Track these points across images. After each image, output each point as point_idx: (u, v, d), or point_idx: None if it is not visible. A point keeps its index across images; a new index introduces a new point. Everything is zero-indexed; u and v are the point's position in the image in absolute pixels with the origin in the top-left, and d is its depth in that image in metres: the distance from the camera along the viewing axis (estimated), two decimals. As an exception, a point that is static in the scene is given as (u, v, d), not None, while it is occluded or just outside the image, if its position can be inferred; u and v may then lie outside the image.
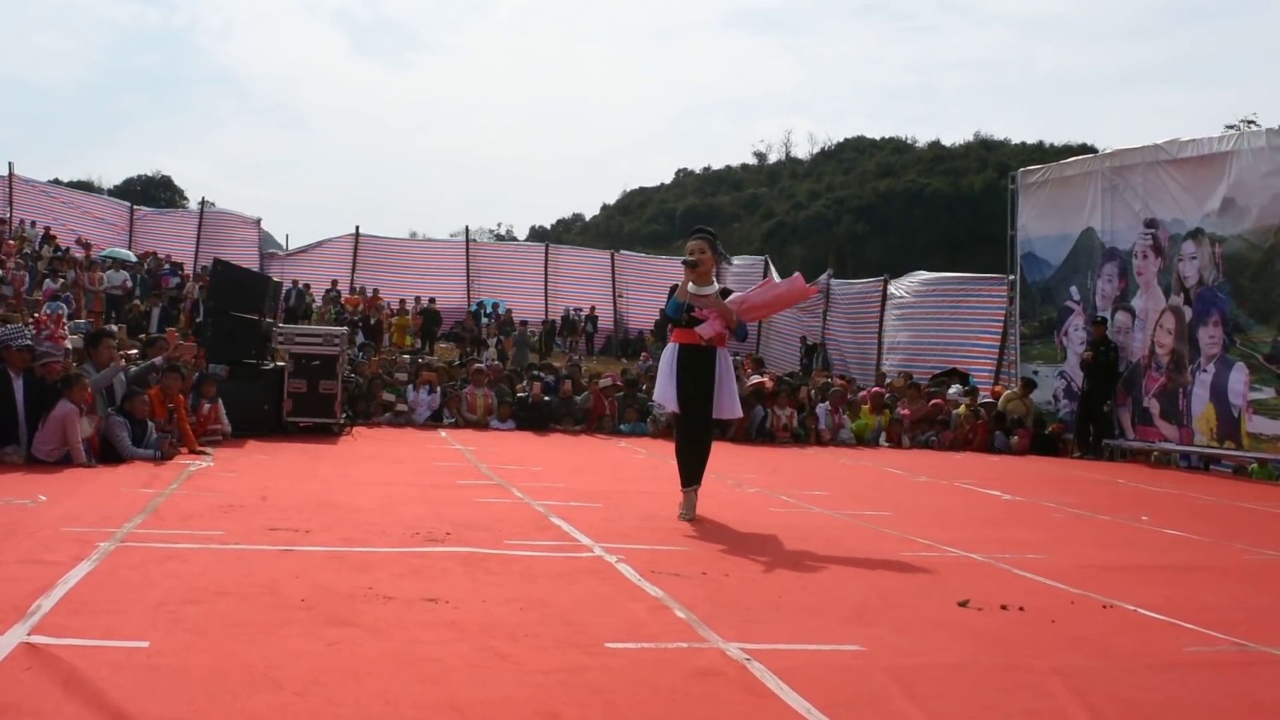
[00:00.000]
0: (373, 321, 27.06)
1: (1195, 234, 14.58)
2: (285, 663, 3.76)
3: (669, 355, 7.78)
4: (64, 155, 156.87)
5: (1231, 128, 21.89)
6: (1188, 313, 14.68)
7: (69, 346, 10.15)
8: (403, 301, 29.38)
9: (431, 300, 29.75)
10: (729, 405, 7.73)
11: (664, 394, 7.85)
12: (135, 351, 11.69)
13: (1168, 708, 3.77)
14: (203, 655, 3.81)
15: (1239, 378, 13.82)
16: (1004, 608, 5.20)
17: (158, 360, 10.99)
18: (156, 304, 23.98)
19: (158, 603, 4.49)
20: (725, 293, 7.73)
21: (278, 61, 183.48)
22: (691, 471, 7.70)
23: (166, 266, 28.86)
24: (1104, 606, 5.39)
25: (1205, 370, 14.31)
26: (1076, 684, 3.97)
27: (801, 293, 8.03)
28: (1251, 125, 25.37)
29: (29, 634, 3.94)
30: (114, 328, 15.48)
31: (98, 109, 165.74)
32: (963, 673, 4.08)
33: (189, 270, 29.42)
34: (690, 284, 7.62)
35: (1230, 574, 6.63)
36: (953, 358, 22.10)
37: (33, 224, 29.24)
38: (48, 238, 28.31)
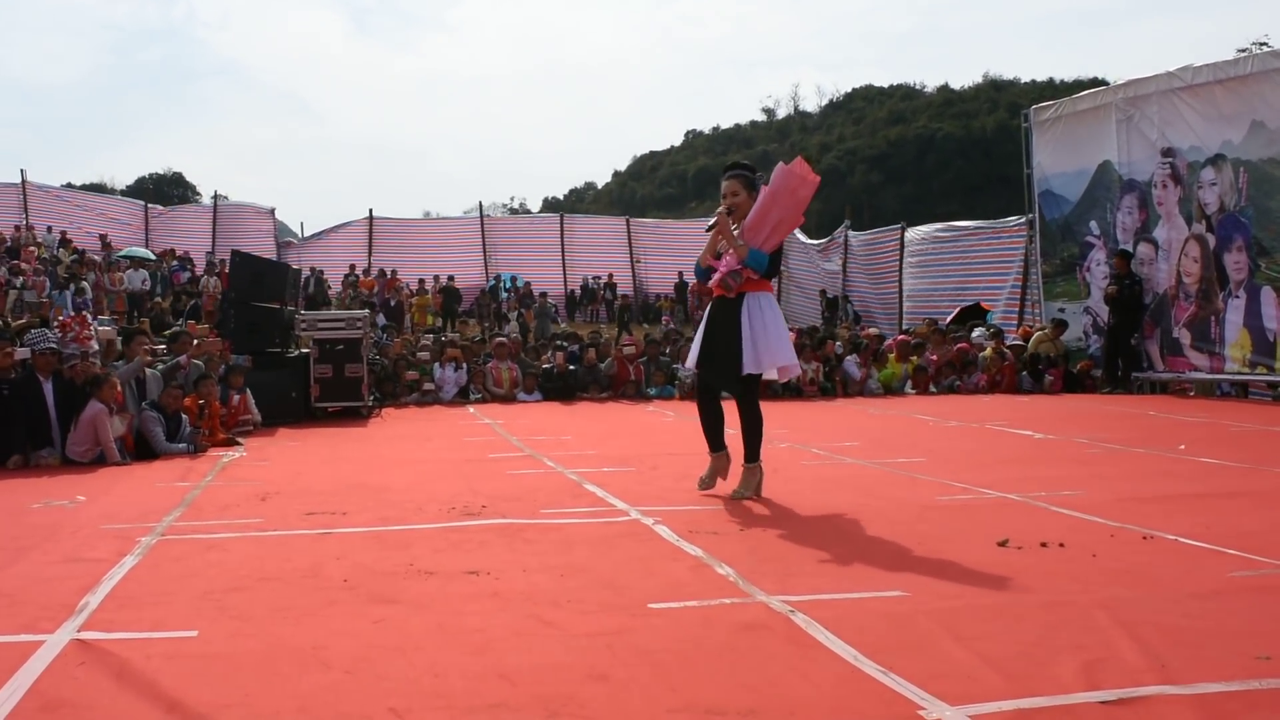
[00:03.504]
0: (393, 303, 27.14)
1: (1215, 160, 14.42)
2: (332, 643, 3.79)
3: (706, 313, 6.96)
4: (74, 158, 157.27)
5: (1243, 51, 21.57)
6: (1211, 240, 14.54)
7: (95, 347, 10.22)
8: (421, 281, 29.45)
9: (450, 278, 29.81)
10: (767, 357, 6.59)
11: (694, 355, 7.01)
12: (163, 347, 11.76)
13: (1214, 634, 3.75)
14: (251, 640, 3.84)
15: (1269, 301, 13.70)
16: (1044, 545, 5.18)
17: (182, 359, 11.06)
18: (188, 303, 24.15)
19: (203, 592, 4.53)
20: None
21: (279, 49, 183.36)
22: (714, 433, 6.92)
23: (175, 263, 28.99)
24: (1144, 538, 5.37)
25: (1237, 296, 14.18)
26: (1121, 616, 3.95)
27: (792, 179, 6.51)
28: (1264, 47, 24.99)
29: (79, 630, 3.98)
30: (144, 326, 15.63)
31: (105, 110, 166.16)
32: (1007, 611, 4.07)
33: (200, 265, 29.57)
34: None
35: (1270, 498, 6.59)
36: (973, 300, 22.00)
37: (49, 229, 29.38)
38: (64, 242, 28.47)
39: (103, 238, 29.66)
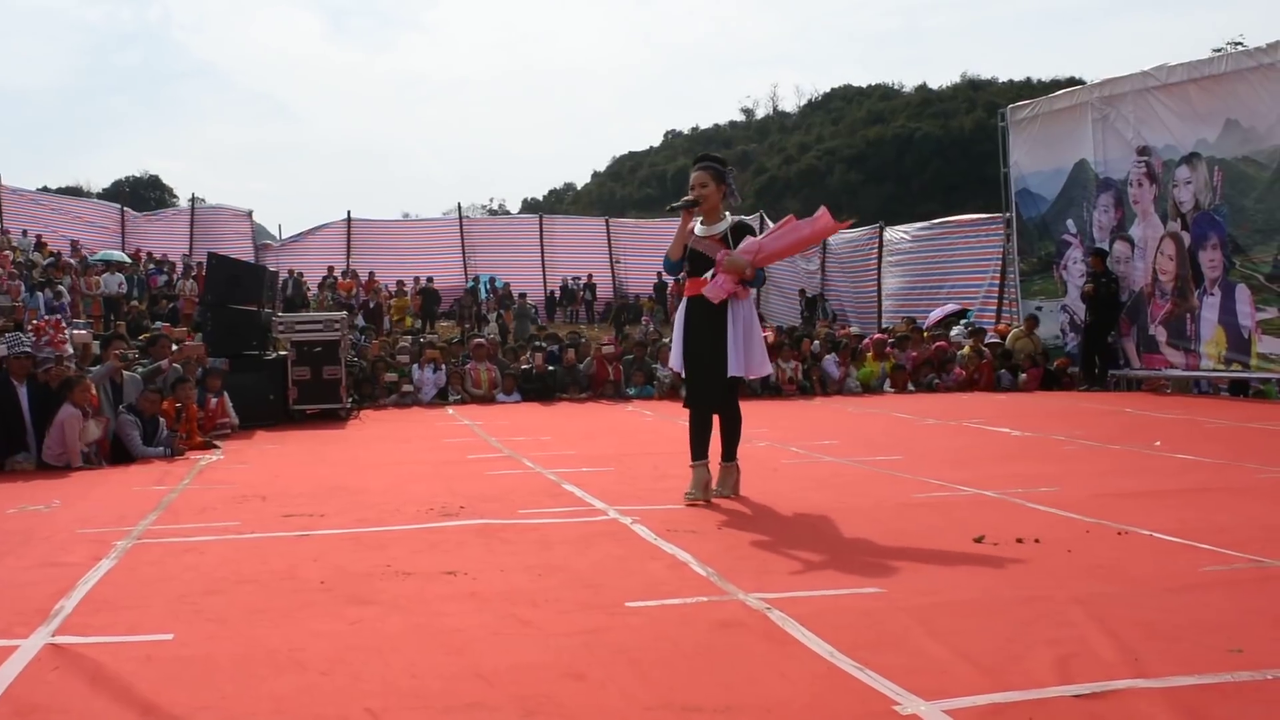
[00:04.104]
0: (372, 305, 27.07)
1: (1189, 158, 14.52)
2: (309, 644, 3.78)
3: (680, 312, 6.77)
4: (50, 162, 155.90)
5: (1219, 50, 21.70)
6: (1186, 238, 14.64)
7: (70, 350, 10.17)
8: (400, 283, 29.38)
9: (429, 280, 29.75)
10: (750, 361, 6.54)
11: (674, 359, 6.86)
12: (135, 353, 11.69)
13: (1188, 627, 3.78)
14: (227, 643, 3.83)
15: (1243, 298, 13.81)
16: (1020, 541, 5.21)
17: (163, 363, 11.02)
18: (166, 306, 24.06)
19: (178, 595, 4.51)
20: (740, 228, 6.59)
21: (256, 51, 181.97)
22: (701, 443, 6.69)
23: (151, 266, 28.84)
24: (1119, 533, 5.40)
25: (1212, 294, 14.28)
26: (1096, 611, 3.98)
27: (830, 229, 6.76)
28: (1239, 46, 25.18)
29: (53, 635, 3.96)
30: (119, 331, 15.56)
31: (80, 113, 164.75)
32: (983, 607, 4.09)
33: (177, 268, 29.41)
34: (697, 224, 6.58)
35: (1244, 494, 6.63)
36: (953, 300, 22.10)
37: (24, 233, 29.18)
38: (39, 245, 28.29)
39: (74, 243, 29.42)
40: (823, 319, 26.17)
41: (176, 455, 9.65)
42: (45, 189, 38.94)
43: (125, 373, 10.38)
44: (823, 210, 6.62)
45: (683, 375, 6.88)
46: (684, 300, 6.75)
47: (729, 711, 3.08)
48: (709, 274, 6.49)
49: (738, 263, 6.36)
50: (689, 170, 6.73)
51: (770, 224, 8.37)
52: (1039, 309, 17.61)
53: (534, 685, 3.31)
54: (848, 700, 3.15)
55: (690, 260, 6.58)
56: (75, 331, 11.44)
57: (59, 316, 12.13)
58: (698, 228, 6.59)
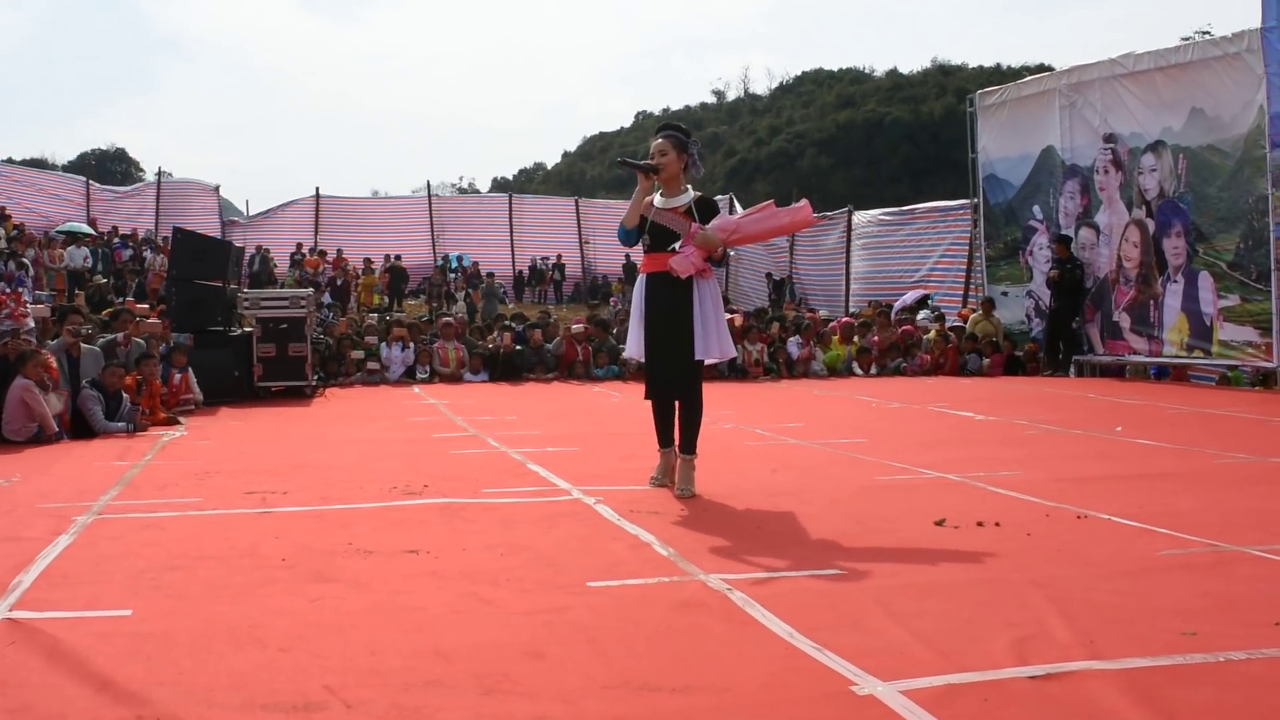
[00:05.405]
0: (339, 282, 26.91)
1: (1155, 146, 14.63)
2: (269, 621, 3.77)
3: (638, 291, 6.33)
4: (14, 134, 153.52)
5: (1187, 39, 21.88)
6: (1151, 225, 14.77)
7: (30, 324, 10.06)
8: (368, 261, 29.21)
9: (398, 257, 29.59)
10: (717, 344, 6.21)
11: (633, 345, 6.39)
12: (88, 327, 11.55)
13: (1144, 610, 3.83)
14: (186, 619, 3.81)
15: (1206, 286, 13.94)
16: (980, 524, 5.25)
17: (119, 337, 10.92)
18: (132, 281, 23.84)
19: (138, 571, 4.49)
20: (704, 204, 6.21)
21: (225, 23, 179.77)
22: (666, 429, 6.42)
23: (117, 240, 28.55)
24: (1079, 517, 5.46)
25: (1175, 281, 14.41)
26: (1053, 593, 4.02)
27: (807, 223, 6.66)
28: (1206, 35, 25.32)
29: (10, 610, 3.93)
30: (78, 304, 15.39)
31: (45, 84, 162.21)
32: (942, 590, 4.12)
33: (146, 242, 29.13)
34: (656, 196, 6.25)
35: (1202, 479, 6.70)
36: (919, 285, 22.21)
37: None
38: (3, 217, 27.92)
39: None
40: (789, 301, 26.26)
41: (139, 430, 9.57)
42: (10, 160, 38.38)
43: (84, 345, 10.26)
44: (804, 202, 6.44)
45: (642, 362, 6.45)
46: (642, 277, 6.33)
47: (687, 691, 3.09)
48: (676, 245, 6.15)
49: (711, 240, 6.03)
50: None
51: (739, 207, 8.40)
52: (1004, 294, 17.73)
53: (493, 664, 3.32)
54: (805, 680, 3.17)
55: (651, 233, 6.19)
56: (33, 306, 11.31)
57: (20, 289, 11.98)
58: (657, 199, 6.24)
